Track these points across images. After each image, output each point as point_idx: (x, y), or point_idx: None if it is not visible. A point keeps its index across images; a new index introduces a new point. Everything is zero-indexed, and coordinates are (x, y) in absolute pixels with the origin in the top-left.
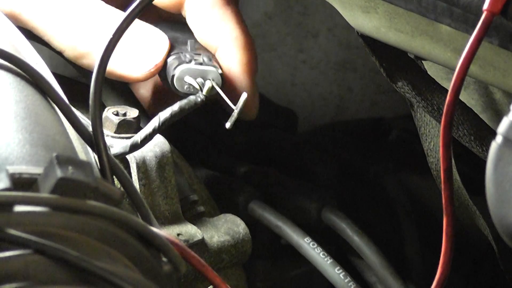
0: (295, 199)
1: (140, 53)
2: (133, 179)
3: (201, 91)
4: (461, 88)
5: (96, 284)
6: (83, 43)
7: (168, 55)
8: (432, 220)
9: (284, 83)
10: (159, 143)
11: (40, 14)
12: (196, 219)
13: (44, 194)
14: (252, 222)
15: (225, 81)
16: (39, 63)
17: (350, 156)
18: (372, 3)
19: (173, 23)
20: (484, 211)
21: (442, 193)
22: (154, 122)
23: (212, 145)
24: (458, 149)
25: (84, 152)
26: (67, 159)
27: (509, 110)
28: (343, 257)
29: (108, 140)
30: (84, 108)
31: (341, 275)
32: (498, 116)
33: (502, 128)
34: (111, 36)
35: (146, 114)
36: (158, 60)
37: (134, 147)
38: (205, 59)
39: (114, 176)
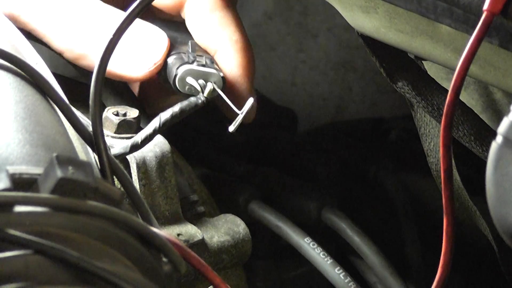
0: (295, 199)
1: (139, 52)
2: (133, 179)
3: (202, 92)
4: (461, 88)
5: (96, 284)
6: (82, 45)
7: (168, 54)
8: (432, 220)
9: (284, 83)
10: (159, 143)
11: (39, 16)
12: (196, 219)
13: (44, 194)
14: (252, 222)
15: (226, 84)
16: (39, 63)
17: (350, 156)
18: (372, 3)
19: (171, 22)
20: (484, 211)
21: (442, 193)
22: (155, 123)
23: (212, 145)
24: (458, 149)
25: (84, 152)
26: (67, 159)
27: (509, 110)
28: (343, 257)
29: (108, 140)
30: (84, 108)
31: (341, 275)
32: (498, 116)
33: (502, 128)
34: (111, 37)
35: (146, 114)
36: (157, 58)
37: (135, 148)
38: (208, 61)
39: (114, 176)
